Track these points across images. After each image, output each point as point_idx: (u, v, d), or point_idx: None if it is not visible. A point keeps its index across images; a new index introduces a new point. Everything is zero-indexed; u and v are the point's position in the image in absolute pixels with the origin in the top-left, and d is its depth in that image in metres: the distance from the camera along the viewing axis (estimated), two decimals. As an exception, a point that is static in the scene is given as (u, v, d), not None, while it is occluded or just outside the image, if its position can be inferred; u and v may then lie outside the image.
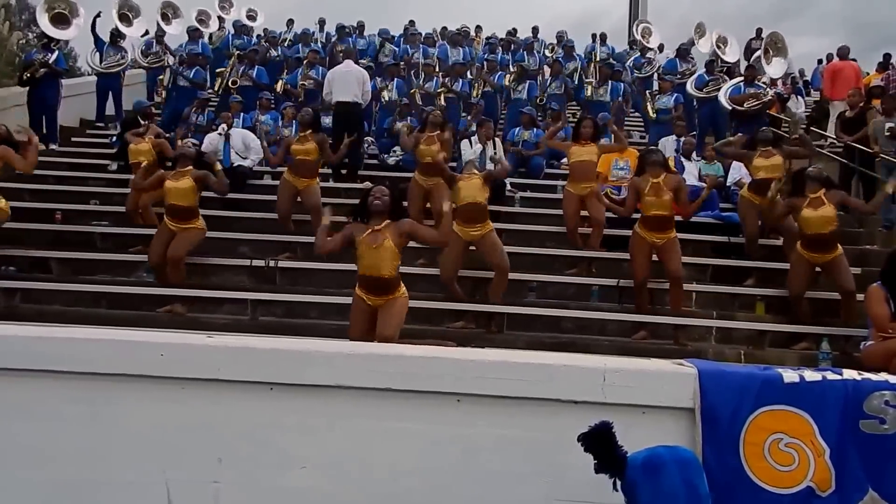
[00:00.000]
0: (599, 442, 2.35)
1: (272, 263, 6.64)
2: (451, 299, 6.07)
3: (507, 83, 10.51)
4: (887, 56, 11.46)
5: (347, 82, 8.35)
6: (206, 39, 12.26)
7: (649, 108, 9.84)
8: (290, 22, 14.27)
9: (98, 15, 10.37)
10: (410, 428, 2.68)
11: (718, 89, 9.46)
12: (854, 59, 10.94)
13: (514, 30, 14.62)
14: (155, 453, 2.69)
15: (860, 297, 5.30)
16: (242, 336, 3.78)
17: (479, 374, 2.67)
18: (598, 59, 11.97)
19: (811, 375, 2.64)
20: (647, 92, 10.34)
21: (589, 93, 10.38)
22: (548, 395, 2.65)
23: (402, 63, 11.10)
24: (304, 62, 10.56)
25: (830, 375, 2.66)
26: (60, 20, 9.70)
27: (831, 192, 5.82)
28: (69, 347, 2.77)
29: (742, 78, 9.48)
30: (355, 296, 4.71)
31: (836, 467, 2.55)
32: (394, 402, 2.67)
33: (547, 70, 11.54)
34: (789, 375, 2.64)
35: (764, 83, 9.38)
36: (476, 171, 6.14)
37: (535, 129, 8.94)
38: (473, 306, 6.10)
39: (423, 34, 12.81)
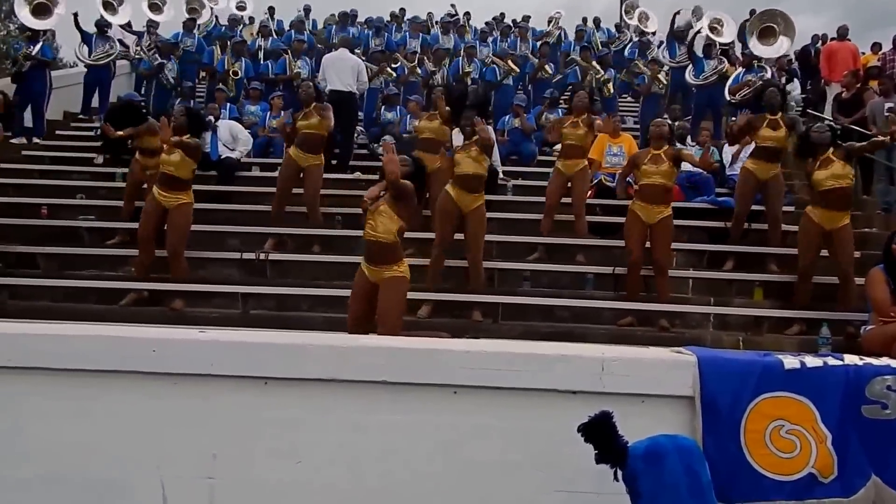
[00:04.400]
0: (600, 432, 2.33)
1: (262, 256, 6.57)
2: (432, 267, 5.95)
3: (498, 77, 10.46)
4: (877, 45, 11.46)
5: (341, 71, 8.23)
6: (197, 30, 12.12)
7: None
8: (272, 10, 14.13)
9: (76, 14, 10.03)
10: (406, 421, 2.65)
11: (717, 73, 9.39)
12: (849, 39, 10.87)
13: (502, 14, 14.57)
14: (149, 450, 2.65)
15: (859, 280, 5.30)
16: (234, 330, 3.73)
17: (475, 366, 2.64)
18: (597, 42, 11.99)
19: (812, 361, 2.62)
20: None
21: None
22: (546, 385, 2.62)
23: (395, 52, 11.02)
24: (291, 51, 10.45)
25: (831, 361, 2.64)
26: (42, 11, 9.50)
27: (839, 150, 5.82)
28: (60, 344, 2.72)
29: (742, 67, 9.45)
30: (358, 270, 4.70)
31: (838, 453, 2.53)
32: (389, 395, 2.64)
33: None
34: (790, 361, 2.62)
35: (762, 66, 9.29)
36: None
37: (528, 115, 8.93)
38: (462, 296, 6.05)
39: (418, 21, 12.74)
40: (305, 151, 6.86)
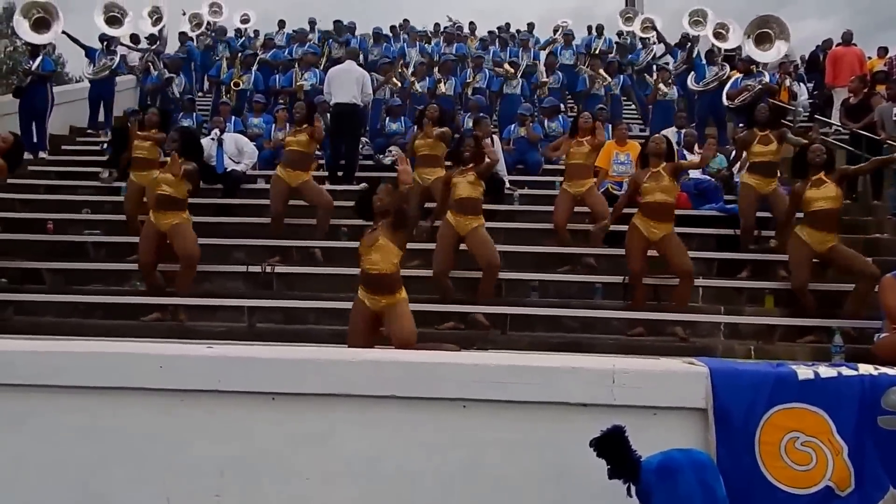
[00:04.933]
0: (612, 446, 2.29)
1: (268, 269, 6.55)
2: (443, 296, 5.95)
3: (503, 83, 10.47)
4: (883, 49, 11.43)
5: (346, 83, 8.26)
6: (194, 43, 12.20)
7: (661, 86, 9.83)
8: (282, 23, 14.19)
9: (65, 32, 9.96)
10: (415, 435, 2.61)
11: (717, 79, 9.37)
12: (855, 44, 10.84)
13: (507, 24, 14.59)
14: (155, 467, 2.62)
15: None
16: (241, 345, 3.71)
17: (485, 379, 2.61)
18: (598, 51, 11.99)
19: (826, 371, 2.57)
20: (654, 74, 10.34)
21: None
22: (556, 398, 2.58)
23: (396, 59, 11.06)
24: (299, 63, 10.50)
25: (846, 371, 2.58)
26: (42, 25, 9.54)
27: (832, 173, 5.81)
28: (66, 361, 2.70)
29: (740, 73, 9.43)
30: (356, 299, 4.67)
31: (854, 465, 2.47)
32: (398, 409, 2.60)
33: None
34: (804, 372, 2.56)
35: (760, 71, 9.27)
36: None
37: (534, 124, 8.92)
38: (472, 308, 6.02)
39: (416, 31, 12.79)
40: (292, 169, 6.86)
